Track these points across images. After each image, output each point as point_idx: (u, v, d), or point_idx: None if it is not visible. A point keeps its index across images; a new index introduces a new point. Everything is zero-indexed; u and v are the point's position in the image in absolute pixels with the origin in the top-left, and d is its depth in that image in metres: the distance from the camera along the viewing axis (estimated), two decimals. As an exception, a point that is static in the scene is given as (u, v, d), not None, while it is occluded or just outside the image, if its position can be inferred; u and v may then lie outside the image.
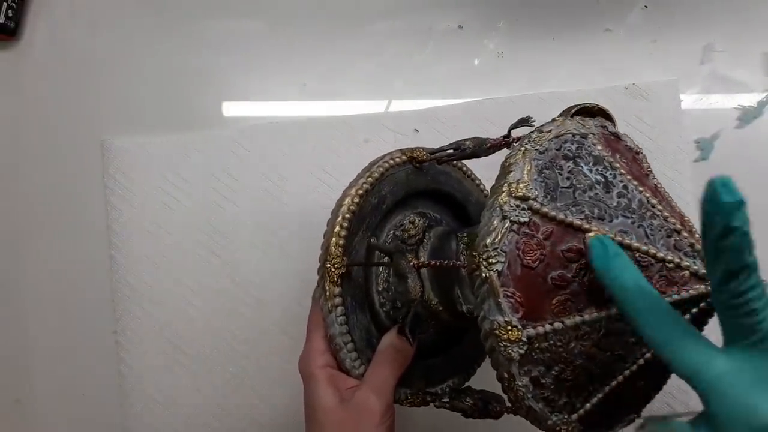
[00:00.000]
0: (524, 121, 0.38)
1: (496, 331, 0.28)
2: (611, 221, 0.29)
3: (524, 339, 0.28)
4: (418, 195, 0.43)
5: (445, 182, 0.43)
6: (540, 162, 0.30)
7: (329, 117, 0.57)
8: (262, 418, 0.55)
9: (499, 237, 0.28)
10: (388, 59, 0.58)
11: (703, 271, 0.27)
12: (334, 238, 0.37)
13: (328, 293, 0.37)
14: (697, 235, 0.29)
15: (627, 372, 0.29)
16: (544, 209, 0.29)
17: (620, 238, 0.28)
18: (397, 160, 0.40)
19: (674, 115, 0.56)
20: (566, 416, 0.29)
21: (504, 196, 0.29)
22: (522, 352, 0.28)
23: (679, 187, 0.56)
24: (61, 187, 0.57)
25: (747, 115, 0.57)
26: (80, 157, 0.57)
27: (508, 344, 0.28)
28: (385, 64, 0.58)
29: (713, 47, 0.57)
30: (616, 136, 0.34)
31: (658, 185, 0.33)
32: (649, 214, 0.29)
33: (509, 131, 0.38)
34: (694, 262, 0.28)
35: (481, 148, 0.38)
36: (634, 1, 0.58)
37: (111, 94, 0.58)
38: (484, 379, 0.42)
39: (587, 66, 0.58)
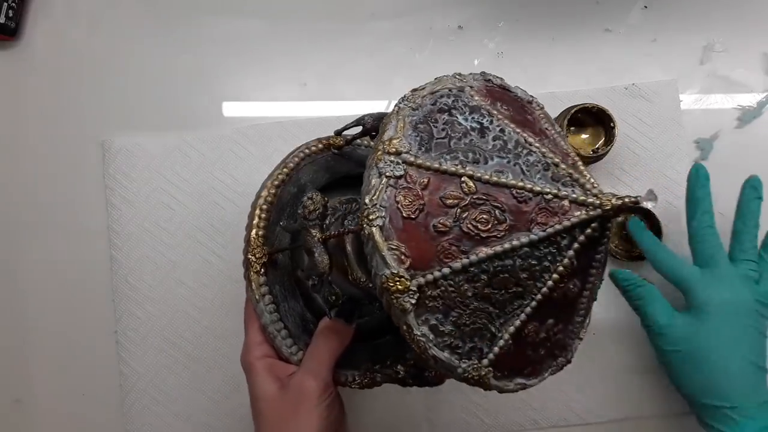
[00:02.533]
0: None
1: (385, 284, 0.28)
2: (486, 163, 0.29)
3: (413, 288, 0.28)
4: (344, 181, 0.43)
5: None
6: (414, 118, 0.31)
7: (329, 117, 0.57)
8: (263, 418, 0.55)
9: (377, 194, 0.29)
10: (389, 59, 0.58)
11: (583, 197, 0.28)
12: (253, 230, 0.38)
13: (253, 284, 0.38)
14: (579, 166, 0.30)
15: (528, 309, 0.29)
16: (419, 161, 0.29)
17: (496, 178, 0.28)
18: (313, 148, 0.42)
19: (674, 115, 0.56)
20: (476, 362, 0.29)
21: (379, 155, 0.30)
22: (413, 301, 0.28)
23: (679, 187, 0.56)
24: (61, 187, 0.57)
25: (747, 115, 0.57)
26: (80, 157, 0.57)
27: (399, 295, 0.28)
28: (385, 63, 0.58)
29: (713, 47, 0.58)
30: (504, 88, 0.35)
31: (549, 129, 0.33)
32: (525, 152, 0.30)
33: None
34: (573, 191, 0.28)
35: (381, 122, 0.39)
36: (633, 1, 0.58)
37: (111, 94, 0.58)
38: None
39: (587, 66, 0.58)
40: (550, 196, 0.28)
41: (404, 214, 0.28)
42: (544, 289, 0.29)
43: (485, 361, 0.30)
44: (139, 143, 0.56)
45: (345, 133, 0.42)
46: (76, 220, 0.57)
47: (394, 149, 0.30)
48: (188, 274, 0.56)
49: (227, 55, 0.58)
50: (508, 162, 0.29)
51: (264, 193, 0.39)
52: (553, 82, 0.58)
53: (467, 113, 0.31)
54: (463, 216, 0.28)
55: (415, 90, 0.33)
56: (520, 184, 0.28)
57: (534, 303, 0.29)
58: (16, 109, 0.58)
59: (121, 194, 0.56)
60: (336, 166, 0.42)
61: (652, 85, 0.56)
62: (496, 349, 0.30)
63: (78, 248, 0.56)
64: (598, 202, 0.27)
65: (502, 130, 0.31)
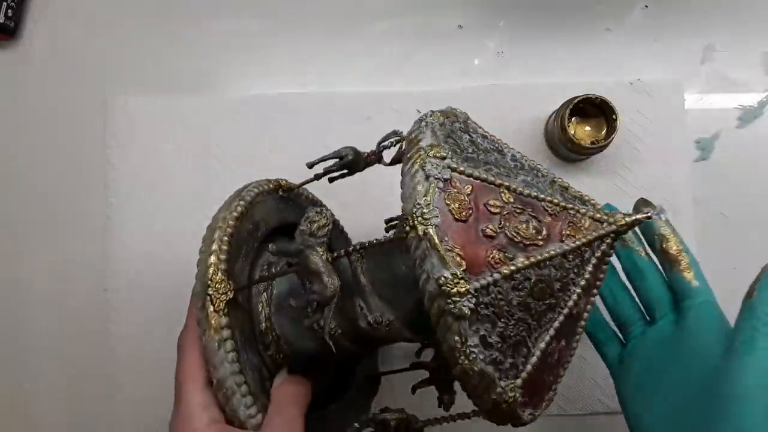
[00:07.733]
0: (395, 134, 0.36)
1: (444, 287, 0.26)
2: (516, 178, 0.31)
3: (472, 291, 0.27)
4: (292, 228, 0.36)
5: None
6: (442, 132, 0.32)
7: (331, 92, 0.57)
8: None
9: (428, 194, 0.28)
10: (388, 59, 0.58)
11: (599, 214, 0.30)
12: (213, 258, 0.32)
13: (213, 327, 0.31)
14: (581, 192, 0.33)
15: (557, 323, 0.30)
16: (461, 167, 0.30)
17: (528, 191, 0.30)
18: (265, 187, 0.38)
19: (677, 114, 0.56)
20: (512, 381, 0.29)
21: (422, 157, 0.30)
22: (472, 305, 0.27)
23: (679, 186, 0.55)
24: (61, 188, 0.57)
25: (747, 115, 0.57)
26: (80, 156, 0.57)
27: (458, 299, 0.27)
28: (385, 63, 0.58)
29: (714, 47, 0.57)
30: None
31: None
32: (539, 173, 0.33)
33: (379, 146, 0.37)
34: (589, 209, 0.31)
35: (359, 158, 0.37)
36: (634, 1, 0.58)
37: (110, 94, 0.57)
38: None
39: (587, 66, 0.57)
40: (573, 212, 0.30)
41: (456, 216, 0.28)
42: (570, 302, 0.30)
43: (519, 381, 0.29)
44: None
45: (320, 167, 0.37)
46: (75, 222, 0.56)
47: (439, 154, 0.30)
48: (181, 236, 0.55)
49: (226, 55, 0.58)
50: (531, 179, 0.31)
51: (222, 225, 0.34)
52: (553, 82, 0.57)
53: (481, 137, 0.33)
54: (507, 224, 0.29)
55: (431, 114, 0.33)
56: (549, 198, 0.30)
57: (561, 317, 0.30)
58: (15, 109, 0.58)
59: (120, 149, 0.56)
60: (285, 211, 0.38)
61: (657, 82, 0.56)
62: (529, 366, 0.29)
63: (76, 248, 0.56)
64: (611, 219, 0.30)
65: (513, 156, 0.33)
